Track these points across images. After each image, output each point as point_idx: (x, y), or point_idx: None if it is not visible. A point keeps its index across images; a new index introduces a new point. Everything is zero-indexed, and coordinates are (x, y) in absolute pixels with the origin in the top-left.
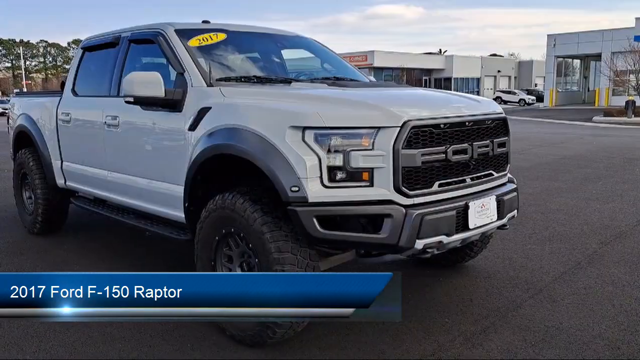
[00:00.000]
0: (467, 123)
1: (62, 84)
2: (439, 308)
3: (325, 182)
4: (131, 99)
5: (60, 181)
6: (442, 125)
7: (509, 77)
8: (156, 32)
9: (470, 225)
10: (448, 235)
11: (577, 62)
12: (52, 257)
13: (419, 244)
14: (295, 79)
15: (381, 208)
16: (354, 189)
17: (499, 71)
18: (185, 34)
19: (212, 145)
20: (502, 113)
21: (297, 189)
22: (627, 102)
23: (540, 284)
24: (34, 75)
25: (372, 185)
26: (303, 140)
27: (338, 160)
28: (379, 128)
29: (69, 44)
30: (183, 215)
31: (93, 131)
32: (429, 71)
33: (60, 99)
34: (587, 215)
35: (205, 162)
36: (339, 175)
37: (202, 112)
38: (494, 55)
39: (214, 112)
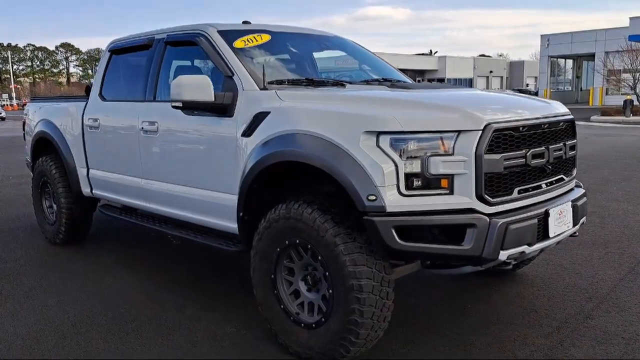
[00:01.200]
0: (543, 125)
1: (87, 89)
2: (505, 320)
3: (403, 190)
4: (179, 104)
5: (85, 189)
6: (521, 128)
7: (501, 77)
8: (197, 33)
9: (551, 234)
10: (530, 244)
11: (566, 62)
12: (77, 267)
13: (503, 255)
14: (347, 81)
15: (464, 217)
16: (433, 197)
17: (491, 71)
18: (229, 35)
19: (274, 152)
20: (570, 114)
21: (374, 197)
22: (625, 102)
23: (601, 291)
24: (22, 79)
25: (452, 193)
26: (377, 145)
27: (416, 167)
28: (459, 132)
29: (56, 47)
30: (235, 226)
31: (126, 137)
32: (421, 72)
33: (86, 104)
34: (621, 217)
35: (265, 170)
36: (417, 182)
37: (259, 117)
38: (483, 55)
39: (274, 117)
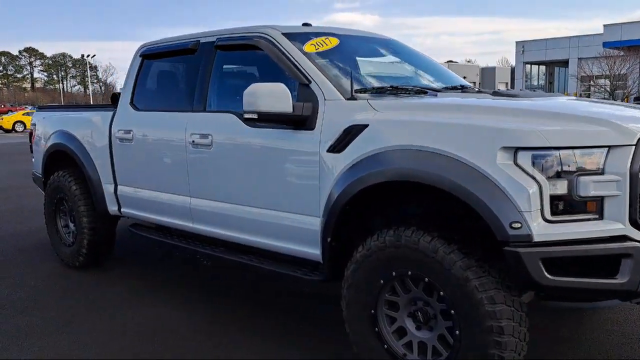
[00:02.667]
0: None
1: (114, 97)
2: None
3: (547, 215)
4: (254, 115)
5: (112, 208)
6: None
7: (474, 82)
8: (258, 36)
9: None
10: None
11: (532, 68)
12: (107, 295)
13: None
14: (431, 89)
15: (619, 246)
16: (581, 224)
17: (464, 77)
18: (295, 38)
19: (383, 170)
20: None
21: (518, 225)
22: None
23: None
24: None
25: (601, 217)
26: (515, 163)
27: (561, 188)
28: (609, 147)
29: (20, 52)
30: (317, 252)
31: (169, 152)
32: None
33: (114, 113)
34: None
35: (364, 191)
36: (561, 206)
37: (352, 131)
38: (451, 61)
39: (374, 131)
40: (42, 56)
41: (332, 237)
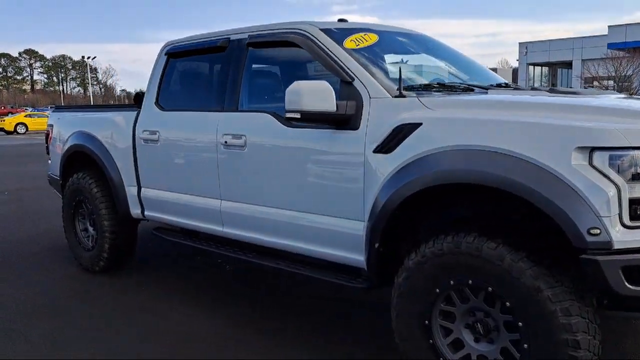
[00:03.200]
0: None
1: (137, 97)
2: None
3: (626, 220)
4: (296, 114)
5: (135, 211)
6: None
7: None
8: (295, 32)
9: None
10: None
11: (539, 69)
12: (133, 302)
13: None
14: (479, 86)
15: None
16: None
17: None
18: (334, 34)
19: (437, 172)
20: None
21: (597, 231)
22: None
23: None
24: None
25: None
26: (591, 164)
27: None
28: None
29: (20, 54)
30: (360, 258)
31: (199, 153)
32: None
33: (138, 114)
34: None
35: (417, 194)
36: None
37: (402, 130)
38: None
39: (429, 130)
40: (42, 58)
41: (380, 242)
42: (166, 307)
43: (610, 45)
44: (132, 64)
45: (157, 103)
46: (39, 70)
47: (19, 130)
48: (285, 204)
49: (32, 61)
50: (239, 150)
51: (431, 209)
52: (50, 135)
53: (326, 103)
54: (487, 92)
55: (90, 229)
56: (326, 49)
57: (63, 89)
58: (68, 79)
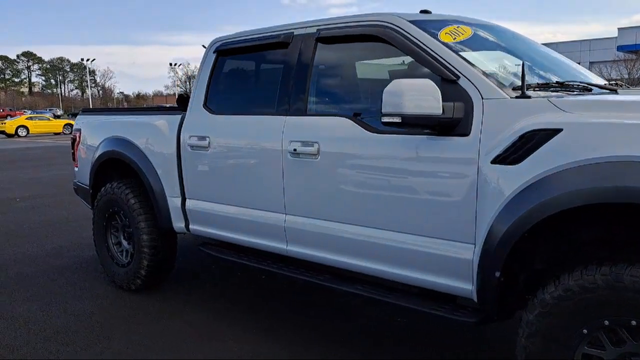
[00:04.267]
0: None
1: (181, 99)
2: None
3: None
4: (396, 119)
5: (178, 224)
6: None
7: None
8: (380, 25)
9: None
10: None
11: None
12: (182, 326)
13: None
14: (589, 84)
15: None
16: None
17: None
18: (426, 26)
19: (591, 189)
20: None
21: None
22: None
23: None
24: None
25: None
26: None
27: None
28: None
29: (18, 56)
30: (467, 287)
31: (259, 161)
32: None
33: (183, 117)
34: None
35: (555, 216)
36: None
37: (535, 138)
38: None
39: (572, 137)
40: (39, 60)
41: (501, 271)
42: (218, 332)
43: (620, 48)
44: (130, 67)
45: (205, 106)
46: (37, 73)
47: (20, 133)
48: (371, 222)
49: (30, 63)
50: (310, 160)
51: (556, 229)
52: (77, 140)
53: (431, 105)
54: (616, 92)
55: (125, 243)
56: (421, 43)
57: (61, 91)
58: (66, 81)
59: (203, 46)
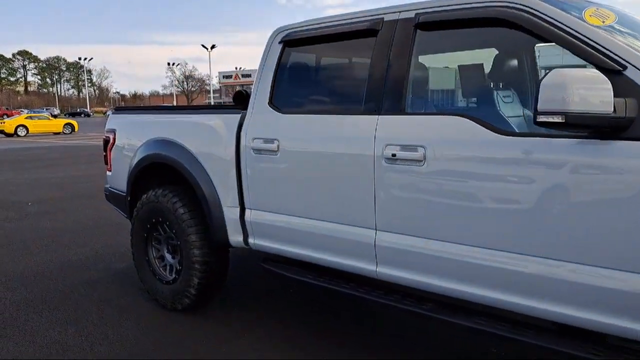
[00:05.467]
0: None
1: (239, 95)
2: None
3: None
4: (559, 118)
5: (235, 238)
6: None
7: None
8: (507, 6)
9: None
10: None
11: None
12: (250, 354)
13: None
14: None
15: None
16: None
17: None
18: (566, 7)
19: None
20: None
21: None
22: None
23: None
24: None
25: None
26: None
27: None
28: None
29: (13, 55)
30: (634, 327)
31: (344, 168)
32: None
33: (243, 117)
34: None
35: None
36: None
37: None
38: None
39: None
40: (35, 59)
41: None
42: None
43: None
44: (127, 66)
45: (271, 104)
46: (33, 72)
47: (19, 133)
48: (504, 245)
49: (25, 62)
50: (413, 167)
51: None
52: (111, 142)
53: (603, 101)
54: None
55: (168, 257)
56: (567, 27)
57: (57, 90)
58: (62, 80)
59: (203, 46)
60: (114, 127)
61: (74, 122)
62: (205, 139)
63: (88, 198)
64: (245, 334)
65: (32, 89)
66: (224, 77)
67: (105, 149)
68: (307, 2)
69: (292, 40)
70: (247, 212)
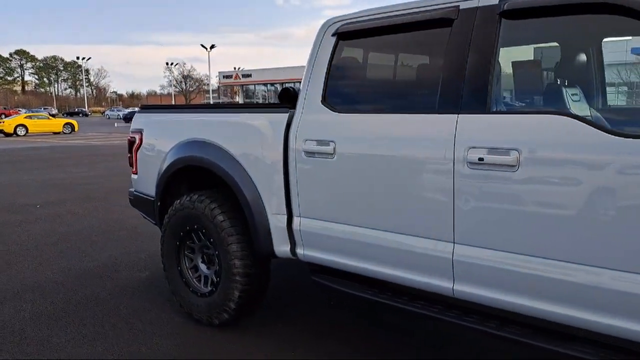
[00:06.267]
0: None
1: (285, 93)
2: None
3: None
4: None
5: (281, 247)
6: None
7: None
8: None
9: None
10: None
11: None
12: None
13: None
14: None
15: None
16: None
17: None
18: None
19: None
20: None
21: None
22: None
23: None
24: None
25: None
26: None
27: None
28: None
29: (10, 54)
30: None
31: (415, 174)
32: None
33: (292, 116)
34: None
35: None
36: None
37: None
38: None
39: None
40: (33, 59)
41: None
42: None
43: (634, 50)
44: (124, 66)
45: (325, 102)
46: (30, 71)
47: (18, 132)
48: (619, 264)
49: (23, 62)
50: (504, 173)
51: None
52: (137, 142)
53: None
54: None
55: (203, 267)
56: None
57: (55, 90)
58: (59, 80)
59: (202, 46)
60: (140, 127)
61: (73, 121)
62: (249, 140)
63: (98, 200)
64: (287, 350)
65: (29, 89)
66: (224, 77)
67: (130, 150)
68: (305, 3)
69: (347, 33)
70: (296, 220)
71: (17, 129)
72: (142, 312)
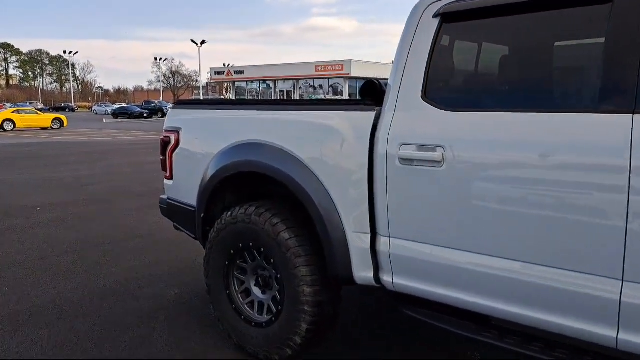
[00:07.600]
0: None
1: (370, 87)
2: None
3: None
4: None
5: (362, 273)
6: None
7: None
8: None
9: None
10: None
11: None
12: None
13: None
14: None
15: None
16: None
17: None
18: None
19: None
20: None
21: None
22: None
23: None
24: None
25: None
26: None
27: None
28: None
29: None
30: None
31: (566, 190)
32: None
33: (379, 115)
34: None
35: None
36: None
37: None
38: None
39: None
40: (17, 52)
41: None
42: None
43: None
44: (111, 61)
45: (426, 98)
46: (15, 65)
47: (5, 127)
48: None
49: (7, 55)
50: None
51: None
52: (173, 143)
53: None
54: None
55: (257, 291)
56: None
57: (40, 84)
58: (44, 74)
59: (193, 41)
60: (177, 126)
61: (62, 117)
62: (324, 144)
63: (103, 203)
64: None
65: (13, 83)
66: (215, 73)
67: (163, 152)
68: (293, 1)
69: (455, 13)
70: (382, 241)
71: (4, 124)
72: (183, 341)
